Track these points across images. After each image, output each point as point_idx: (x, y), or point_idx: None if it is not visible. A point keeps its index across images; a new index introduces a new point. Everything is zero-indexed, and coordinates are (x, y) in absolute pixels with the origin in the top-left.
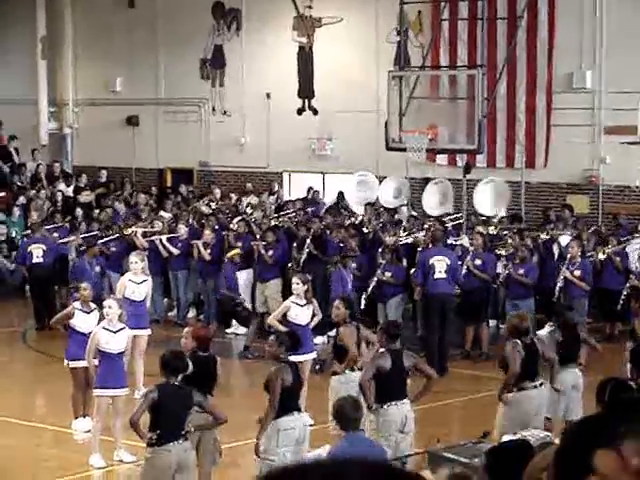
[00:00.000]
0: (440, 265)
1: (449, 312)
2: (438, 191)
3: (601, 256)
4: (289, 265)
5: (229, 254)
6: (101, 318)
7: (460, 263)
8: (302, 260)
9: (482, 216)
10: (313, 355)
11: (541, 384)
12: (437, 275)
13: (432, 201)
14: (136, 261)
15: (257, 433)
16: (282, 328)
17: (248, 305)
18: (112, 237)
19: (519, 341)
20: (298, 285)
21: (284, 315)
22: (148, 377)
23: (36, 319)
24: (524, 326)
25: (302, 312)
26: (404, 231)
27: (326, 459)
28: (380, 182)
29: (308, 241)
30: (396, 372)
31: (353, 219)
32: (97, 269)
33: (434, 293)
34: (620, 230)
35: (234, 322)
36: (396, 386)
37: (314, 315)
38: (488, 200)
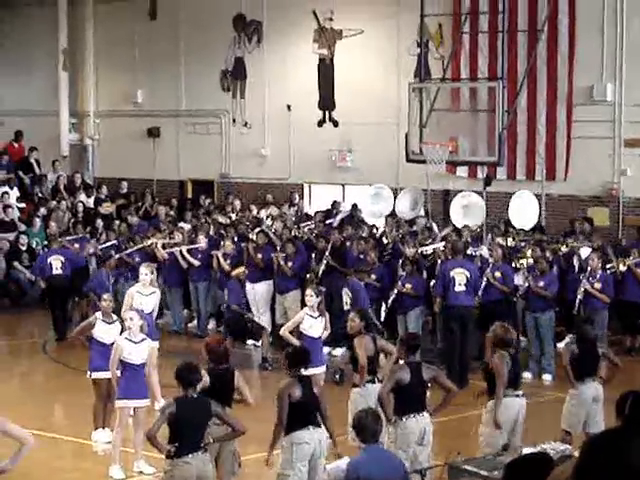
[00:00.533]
0: (460, 278)
1: (469, 324)
2: (464, 203)
3: (622, 267)
4: (307, 276)
5: (234, 273)
6: (123, 329)
7: (480, 274)
8: (320, 271)
9: (513, 228)
10: (323, 368)
11: (523, 395)
12: (457, 288)
13: (458, 212)
14: (146, 273)
15: (268, 447)
16: (294, 340)
17: (264, 318)
18: (135, 248)
19: (506, 353)
20: (311, 297)
21: (297, 327)
22: (172, 388)
23: (55, 330)
24: (509, 337)
25: (315, 324)
26: (418, 243)
27: None
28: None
29: (327, 253)
30: (415, 385)
31: (374, 231)
32: (111, 280)
33: (454, 305)
34: None
35: None
36: (415, 399)
37: (325, 328)
38: (522, 212)
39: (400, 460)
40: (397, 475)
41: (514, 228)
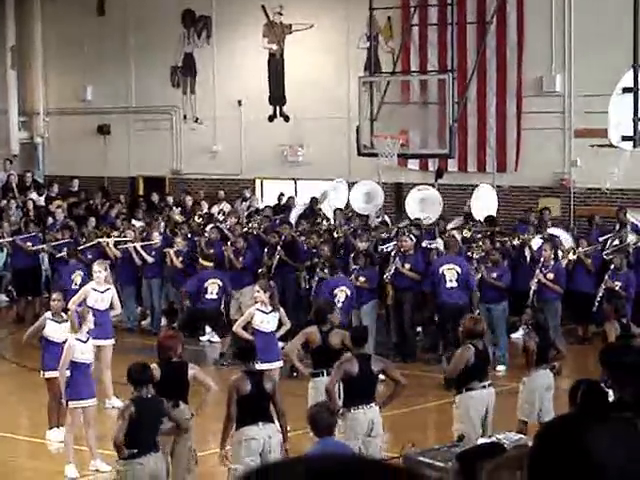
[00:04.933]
0: (450, 274)
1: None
2: (421, 197)
3: (571, 256)
4: (259, 271)
5: (204, 263)
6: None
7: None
8: (273, 266)
9: (472, 220)
10: (279, 364)
11: (490, 384)
12: (449, 284)
13: (414, 206)
14: (99, 270)
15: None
16: (247, 336)
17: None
18: (86, 245)
19: (472, 346)
20: (259, 293)
21: (249, 322)
22: (126, 385)
23: None
24: (478, 328)
25: (267, 319)
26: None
27: (303, 456)
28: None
29: (279, 247)
30: (364, 377)
31: (326, 224)
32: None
33: (448, 302)
34: (595, 230)
35: (208, 329)
36: (363, 391)
37: (282, 324)
38: (482, 205)
39: (353, 451)
40: None
41: (474, 220)
